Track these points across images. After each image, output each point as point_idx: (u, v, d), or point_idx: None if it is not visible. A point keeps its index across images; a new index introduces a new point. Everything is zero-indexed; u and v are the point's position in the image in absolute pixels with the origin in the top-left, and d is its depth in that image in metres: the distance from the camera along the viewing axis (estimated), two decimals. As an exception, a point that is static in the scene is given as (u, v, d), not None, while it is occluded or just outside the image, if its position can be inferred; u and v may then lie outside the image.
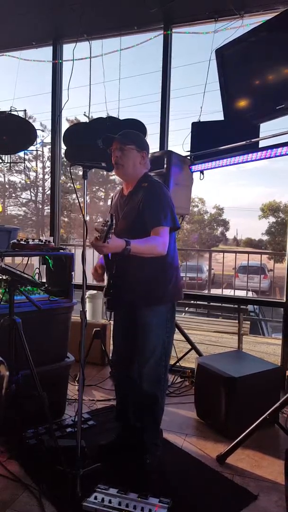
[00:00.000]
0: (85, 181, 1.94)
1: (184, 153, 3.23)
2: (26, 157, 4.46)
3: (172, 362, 3.48)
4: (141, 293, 2.05)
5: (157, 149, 3.52)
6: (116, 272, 1.98)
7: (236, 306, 4.13)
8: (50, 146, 4.21)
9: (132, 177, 2.11)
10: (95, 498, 1.80)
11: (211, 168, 3.11)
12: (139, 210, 1.98)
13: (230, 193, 40.92)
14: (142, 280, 2.03)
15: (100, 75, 3.78)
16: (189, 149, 3.25)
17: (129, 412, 2.28)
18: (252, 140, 2.77)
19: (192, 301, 4.53)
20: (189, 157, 3.21)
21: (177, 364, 3.48)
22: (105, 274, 2.21)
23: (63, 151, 4.02)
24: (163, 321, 2.09)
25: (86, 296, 2.06)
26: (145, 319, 2.06)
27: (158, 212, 1.96)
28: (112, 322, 2.39)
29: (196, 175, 3.27)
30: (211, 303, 5.13)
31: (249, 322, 5.48)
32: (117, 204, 2.20)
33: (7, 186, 22.58)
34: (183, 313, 6.63)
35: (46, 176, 21.82)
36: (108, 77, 3.82)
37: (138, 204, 2.01)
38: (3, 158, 4.13)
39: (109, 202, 2.36)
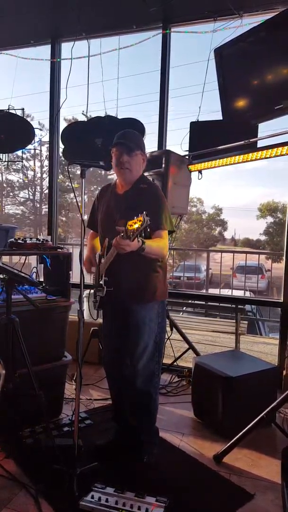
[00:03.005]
0: (83, 180, 1.94)
1: (182, 153, 3.22)
2: (24, 156, 4.45)
3: (169, 361, 3.49)
4: (136, 290, 2.07)
5: (156, 149, 3.52)
6: (112, 270, 1.99)
7: (233, 306, 4.12)
8: (48, 145, 4.20)
9: (133, 179, 2.12)
10: (92, 497, 1.80)
11: (210, 168, 3.11)
12: (142, 211, 1.97)
13: (229, 193, 40.96)
14: (137, 278, 2.05)
15: (99, 74, 3.78)
16: (188, 149, 3.25)
17: (125, 412, 2.28)
18: (251, 140, 2.77)
19: (190, 301, 4.54)
20: (187, 157, 3.21)
21: (175, 363, 3.48)
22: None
23: (61, 150, 4.02)
24: (155, 315, 2.13)
25: (83, 295, 2.06)
26: (139, 315, 2.08)
27: (160, 215, 2.01)
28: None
29: (194, 175, 3.27)
30: (209, 303, 5.12)
31: (246, 322, 5.49)
32: (110, 202, 2.19)
33: (4, 185, 22.55)
34: (181, 313, 6.63)
35: (44, 175, 21.78)
36: (107, 76, 3.82)
37: (139, 206, 2.00)
38: (1, 156, 4.12)
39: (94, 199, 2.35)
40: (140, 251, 1.81)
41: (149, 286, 2.09)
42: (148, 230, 1.71)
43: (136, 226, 1.64)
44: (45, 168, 20.97)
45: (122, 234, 1.70)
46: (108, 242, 2.02)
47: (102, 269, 2.08)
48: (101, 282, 2.06)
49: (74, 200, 2.06)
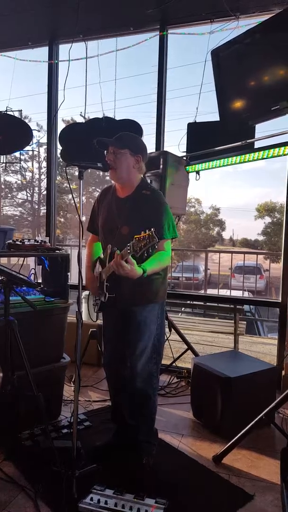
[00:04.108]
0: (81, 181, 1.93)
1: (180, 154, 3.23)
2: (22, 157, 4.45)
3: (168, 362, 3.49)
4: (138, 293, 2.06)
5: (153, 150, 3.52)
6: (114, 275, 1.99)
7: (232, 306, 4.13)
8: (46, 146, 4.20)
9: (127, 181, 2.10)
10: (91, 499, 1.80)
11: (207, 169, 3.12)
12: (145, 218, 1.95)
13: (227, 193, 41.00)
14: (139, 281, 2.03)
15: (96, 76, 3.78)
16: (185, 150, 3.26)
17: (124, 412, 2.28)
18: (248, 140, 2.78)
19: (188, 301, 4.54)
20: (185, 158, 3.22)
21: (173, 364, 3.48)
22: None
23: (59, 151, 4.02)
24: (155, 317, 2.13)
25: (82, 297, 2.06)
26: (140, 316, 2.08)
27: (163, 225, 1.99)
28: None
29: (192, 176, 3.28)
30: (207, 303, 5.12)
31: (245, 322, 5.51)
32: (112, 207, 2.17)
33: (3, 186, 22.52)
34: (179, 313, 6.63)
35: (42, 177, 21.78)
36: (104, 77, 3.82)
37: (141, 213, 2.00)
38: (-1, 158, 4.12)
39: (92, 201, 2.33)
40: (140, 277, 1.81)
41: (151, 288, 2.08)
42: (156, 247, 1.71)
43: (144, 242, 1.61)
44: (43, 170, 21.00)
45: (128, 248, 1.68)
46: (111, 250, 2.01)
47: (104, 275, 2.07)
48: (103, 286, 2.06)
49: (72, 202, 2.05)
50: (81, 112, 3.97)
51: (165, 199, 2.13)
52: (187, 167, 3.20)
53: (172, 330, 3.40)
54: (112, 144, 2.05)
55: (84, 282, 2.11)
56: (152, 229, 1.62)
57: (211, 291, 8.73)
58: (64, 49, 3.98)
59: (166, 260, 2.03)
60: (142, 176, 2.17)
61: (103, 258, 2.13)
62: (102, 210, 2.23)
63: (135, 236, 1.65)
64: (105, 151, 2.09)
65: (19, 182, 22.33)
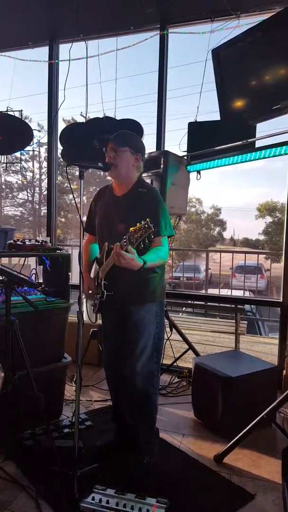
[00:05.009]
0: (82, 181, 1.94)
1: (180, 153, 3.23)
2: (23, 157, 4.45)
3: (169, 362, 3.49)
4: (135, 292, 2.06)
5: (154, 149, 3.52)
6: (111, 274, 1.99)
7: (233, 306, 4.13)
8: (46, 146, 4.21)
9: (125, 179, 2.10)
10: (93, 498, 1.80)
11: (208, 168, 3.12)
12: (141, 216, 1.96)
13: (227, 193, 40.97)
14: (136, 279, 2.03)
15: (97, 75, 3.78)
16: (186, 149, 3.25)
17: (125, 412, 2.28)
18: (249, 140, 2.78)
19: (189, 301, 4.54)
20: (185, 157, 3.22)
21: (175, 364, 3.48)
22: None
23: (59, 151, 4.02)
24: (154, 316, 2.13)
25: (83, 297, 2.06)
26: (137, 315, 2.08)
27: (160, 221, 1.99)
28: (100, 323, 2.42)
29: (193, 175, 3.28)
30: (208, 303, 5.11)
31: (246, 322, 5.49)
32: (108, 205, 2.17)
33: (3, 186, 22.55)
34: (180, 313, 6.63)
35: (43, 177, 21.80)
36: (105, 77, 3.82)
37: (138, 211, 1.99)
38: (0, 158, 4.12)
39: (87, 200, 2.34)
40: (140, 269, 1.80)
41: (148, 287, 2.09)
42: (152, 236, 1.70)
43: (139, 233, 1.61)
44: (44, 170, 20.99)
45: (124, 240, 1.68)
46: (108, 247, 2.01)
47: (101, 273, 2.07)
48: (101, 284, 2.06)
49: (73, 201, 2.05)
50: (81, 112, 3.98)
51: (162, 198, 2.13)
52: (188, 167, 3.20)
53: (173, 329, 3.40)
54: (113, 141, 2.05)
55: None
56: (148, 219, 1.62)
57: (212, 291, 8.72)
58: (64, 49, 3.98)
59: (165, 255, 2.03)
60: (139, 175, 2.17)
61: (100, 257, 2.13)
62: (99, 209, 2.23)
63: (131, 228, 1.66)
64: (104, 150, 2.09)
65: (19, 182, 22.36)
